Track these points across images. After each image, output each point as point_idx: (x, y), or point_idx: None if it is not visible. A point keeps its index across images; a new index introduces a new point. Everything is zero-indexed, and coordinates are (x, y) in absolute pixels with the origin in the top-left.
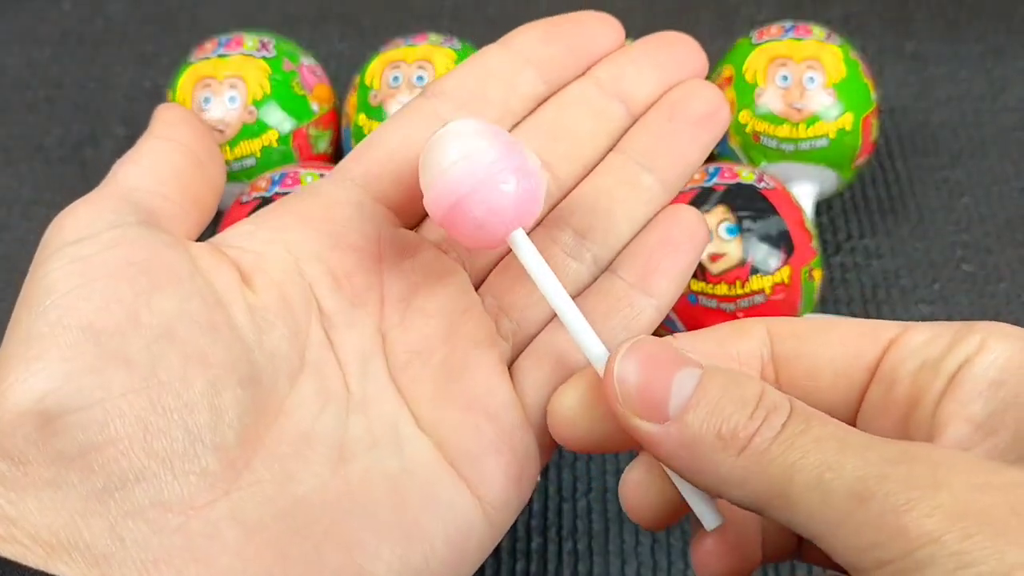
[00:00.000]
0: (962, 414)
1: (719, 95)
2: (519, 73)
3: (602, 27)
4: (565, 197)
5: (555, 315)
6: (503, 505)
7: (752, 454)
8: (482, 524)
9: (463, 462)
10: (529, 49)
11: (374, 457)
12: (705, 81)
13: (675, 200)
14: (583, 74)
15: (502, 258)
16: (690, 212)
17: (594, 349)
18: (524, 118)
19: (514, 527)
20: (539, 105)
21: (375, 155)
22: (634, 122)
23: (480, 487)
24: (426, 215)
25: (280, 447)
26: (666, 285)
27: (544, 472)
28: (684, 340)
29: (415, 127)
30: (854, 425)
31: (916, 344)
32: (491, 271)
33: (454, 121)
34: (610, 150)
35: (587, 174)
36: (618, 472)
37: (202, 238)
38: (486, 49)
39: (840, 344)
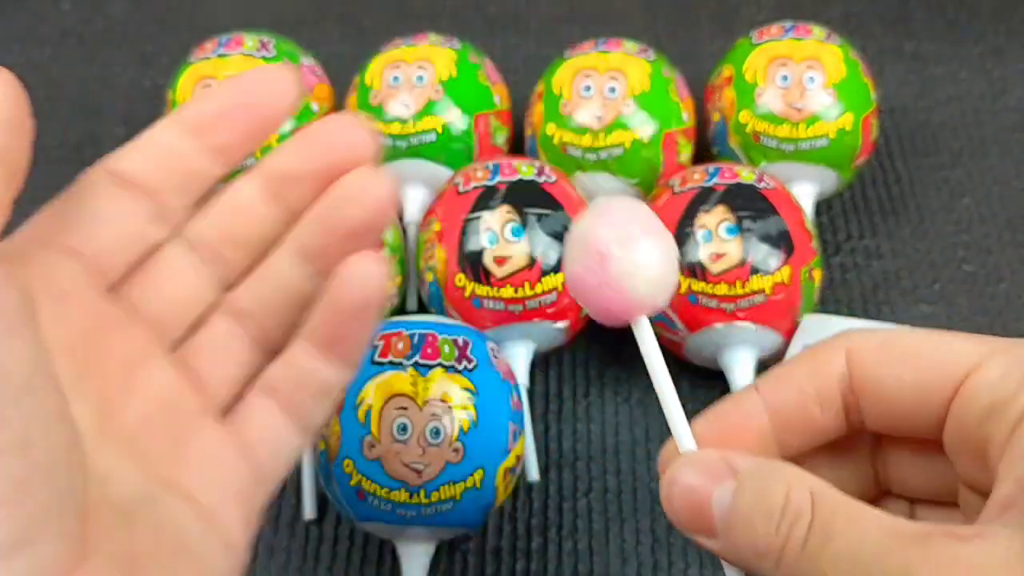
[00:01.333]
0: (1013, 473)
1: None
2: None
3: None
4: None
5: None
6: (244, 546)
7: (786, 567)
8: (230, 566)
9: (206, 515)
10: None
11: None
12: (368, 173)
13: (673, 201)
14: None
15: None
16: (372, 263)
17: (686, 443)
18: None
19: (514, 527)
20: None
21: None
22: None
23: (225, 534)
24: None
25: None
26: (349, 354)
27: (544, 472)
28: (765, 387)
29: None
30: (942, 446)
31: (988, 383)
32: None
33: (617, 200)
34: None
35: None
36: (618, 472)
37: None
38: (161, 125)
39: (916, 376)
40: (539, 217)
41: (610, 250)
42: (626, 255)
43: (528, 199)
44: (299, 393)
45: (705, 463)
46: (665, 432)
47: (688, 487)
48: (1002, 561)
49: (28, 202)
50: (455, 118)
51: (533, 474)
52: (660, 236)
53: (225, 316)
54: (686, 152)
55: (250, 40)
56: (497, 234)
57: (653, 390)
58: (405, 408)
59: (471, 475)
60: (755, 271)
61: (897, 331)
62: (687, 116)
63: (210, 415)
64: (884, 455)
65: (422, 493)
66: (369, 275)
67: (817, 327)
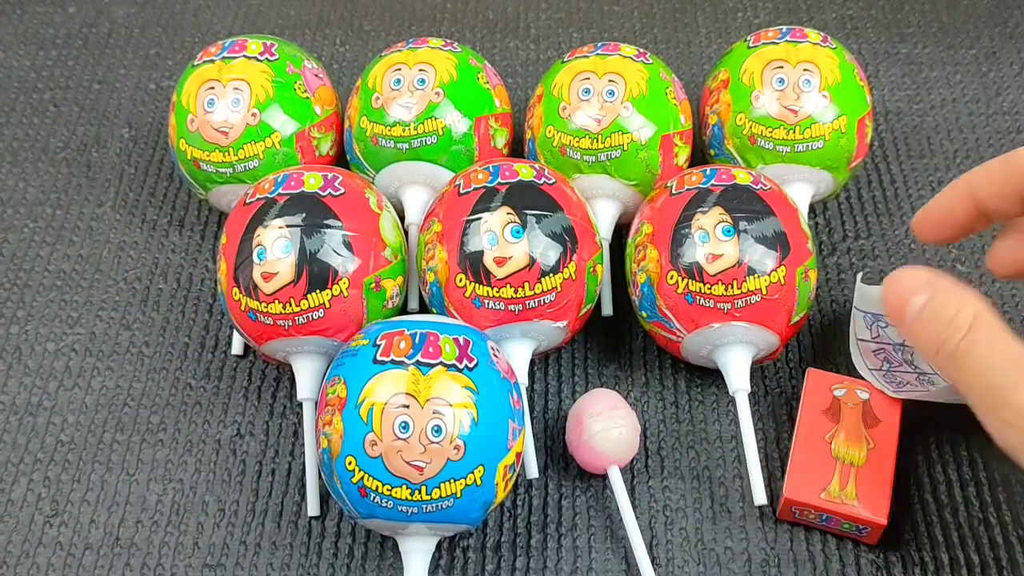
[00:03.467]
0: None
1: None
2: None
3: None
4: None
5: None
6: None
7: (939, 362)
8: None
9: None
10: None
11: None
12: None
13: (670, 202)
14: None
15: None
16: None
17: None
18: None
19: (514, 523)
20: None
21: None
22: None
23: None
24: None
25: None
26: None
27: (544, 469)
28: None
29: None
30: None
31: None
32: None
33: (598, 390)
34: None
35: None
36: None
37: (205, 239)
38: None
39: None
40: (539, 218)
41: (584, 419)
42: (593, 423)
43: (528, 201)
44: None
45: (916, 275)
46: (665, 432)
47: (899, 286)
48: None
49: (34, 203)
50: (456, 121)
51: (533, 471)
52: (622, 412)
53: None
54: (683, 154)
55: (254, 44)
56: (497, 235)
57: (651, 388)
58: (407, 406)
59: (472, 472)
60: (751, 272)
61: None
62: (684, 119)
63: None
64: None
65: (423, 490)
66: None
67: (867, 294)
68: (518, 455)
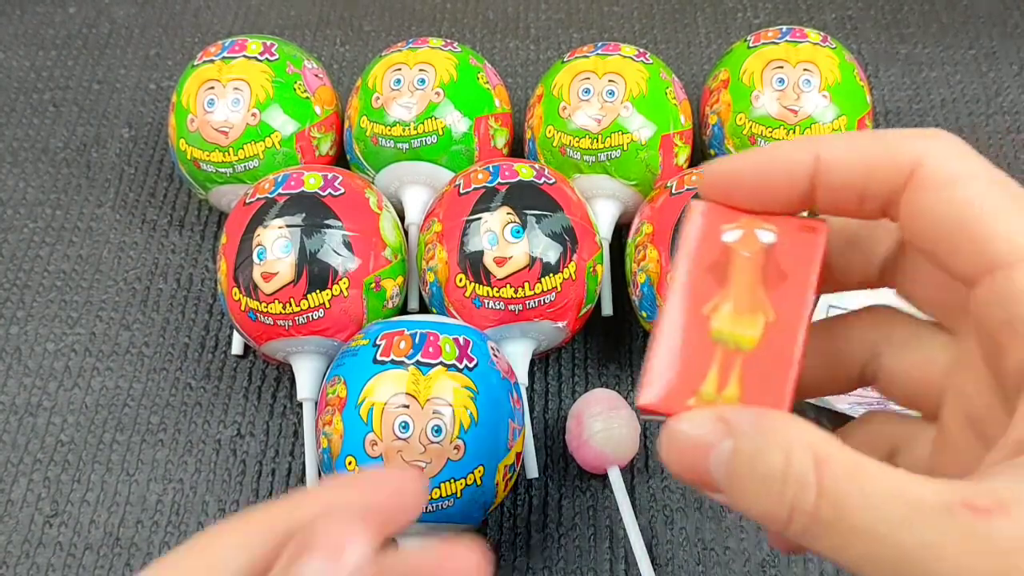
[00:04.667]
0: None
1: None
2: None
3: None
4: None
5: None
6: None
7: (796, 535)
8: None
9: None
10: None
11: None
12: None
13: (670, 202)
14: None
15: None
16: (470, 559)
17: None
18: None
19: (514, 523)
20: None
21: None
22: None
23: None
24: None
25: None
26: None
27: (544, 469)
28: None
29: None
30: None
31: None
32: None
33: (598, 390)
34: None
35: None
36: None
37: (205, 239)
38: None
39: (872, 153)
40: (539, 218)
41: (584, 419)
42: (594, 423)
43: (528, 200)
44: None
45: (699, 418)
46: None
47: (684, 448)
48: None
49: (34, 203)
50: (456, 121)
51: (533, 471)
52: (622, 412)
53: None
54: (683, 154)
55: (254, 44)
56: (497, 235)
57: None
58: (407, 406)
59: (472, 472)
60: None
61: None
62: (684, 119)
63: None
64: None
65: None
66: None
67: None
68: (518, 455)
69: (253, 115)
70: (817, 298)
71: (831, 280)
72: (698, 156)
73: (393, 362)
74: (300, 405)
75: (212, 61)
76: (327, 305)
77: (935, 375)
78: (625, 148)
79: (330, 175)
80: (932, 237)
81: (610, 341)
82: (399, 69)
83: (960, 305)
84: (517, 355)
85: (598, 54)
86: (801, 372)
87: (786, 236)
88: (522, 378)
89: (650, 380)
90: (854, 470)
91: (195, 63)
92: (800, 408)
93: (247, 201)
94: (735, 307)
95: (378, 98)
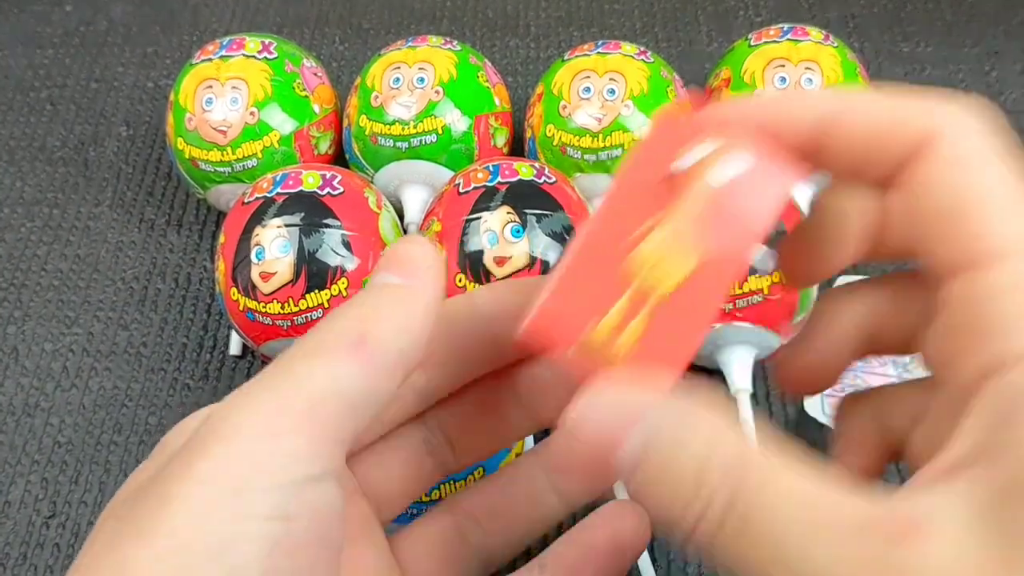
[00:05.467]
0: (979, 422)
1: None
2: None
3: None
4: None
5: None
6: None
7: (697, 547)
8: None
9: None
10: None
11: None
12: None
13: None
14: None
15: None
16: (635, 516)
17: None
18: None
19: None
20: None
21: None
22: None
23: None
24: None
25: None
26: None
27: None
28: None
29: None
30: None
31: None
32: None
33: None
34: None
35: None
36: None
37: (204, 239)
38: None
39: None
40: (539, 218)
41: None
42: None
43: (528, 200)
44: None
45: (614, 400)
46: None
47: (590, 426)
48: (943, 570)
49: (31, 202)
50: (455, 119)
51: None
52: None
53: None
54: None
55: (252, 42)
56: (497, 235)
57: None
58: None
59: (472, 473)
60: (752, 272)
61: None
62: None
63: None
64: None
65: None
66: (628, 522)
67: None
68: (518, 456)
69: (251, 114)
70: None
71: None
72: None
73: None
74: None
75: (210, 59)
76: (326, 305)
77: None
78: (626, 147)
79: (329, 174)
80: (923, 220)
81: None
82: (398, 68)
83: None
84: None
85: (599, 52)
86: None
87: (756, 171)
88: None
89: (540, 305)
90: (769, 480)
91: (193, 61)
92: (804, 424)
93: (245, 200)
94: (665, 241)
95: (377, 97)
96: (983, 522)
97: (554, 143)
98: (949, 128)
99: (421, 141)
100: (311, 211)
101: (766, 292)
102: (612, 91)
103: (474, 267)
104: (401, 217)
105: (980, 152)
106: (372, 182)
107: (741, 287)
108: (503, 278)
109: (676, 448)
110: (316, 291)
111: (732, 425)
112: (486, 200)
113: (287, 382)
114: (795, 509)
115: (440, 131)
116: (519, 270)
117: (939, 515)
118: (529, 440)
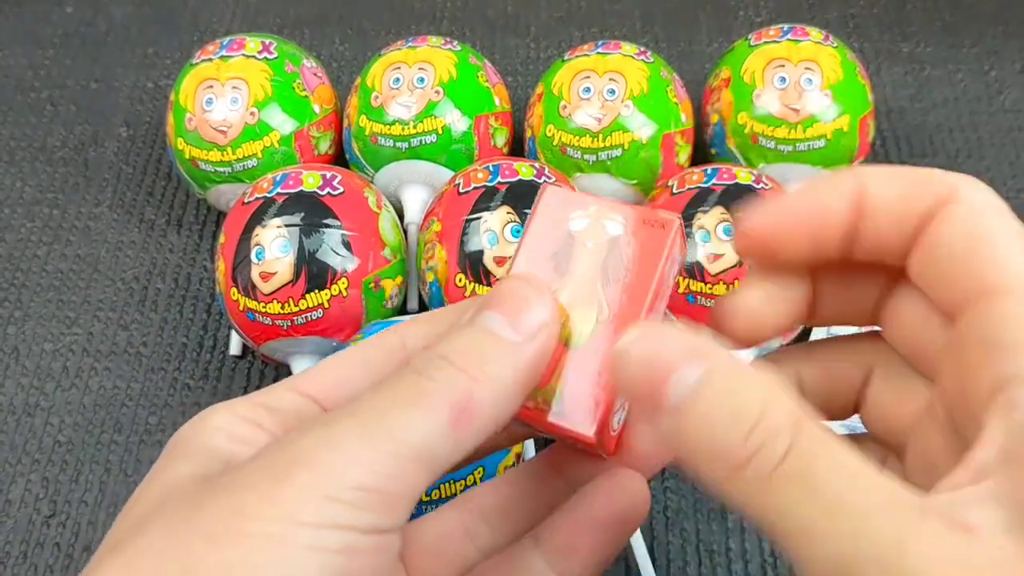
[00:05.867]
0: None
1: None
2: None
3: None
4: None
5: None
6: None
7: (743, 483)
8: None
9: None
10: None
11: None
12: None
13: (671, 202)
14: None
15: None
16: (634, 483)
17: None
18: None
19: None
20: None
21: None
22: None
23: None
24: None
25: None
26: (583, 569)
27: None
28: (788, 197)
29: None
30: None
31: (950, 230)
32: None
33: None
34: None
35: None
36: None
37: (204, 239)
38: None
39: (905, 186)
40: None
41: None
42: None
43: (528, 200)
44: None
45: (678, 339)
46: None
47: (650, 354)
48: (998, 566)
49: (31, 203)
50: (455, 120)
51: None
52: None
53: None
54: (684, 153)
55: (252, 42)
56: (497, 234)
57: None
58: None
59: (471, 473)
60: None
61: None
62: (685, 118)
63: None
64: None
65: None
66: (625, 489)
67: None
68: (518, 456)
69: (251, 114)
70: (668, 296)
71: (824, 315)
72: (699, 155)
73: None
74: None
75: (210, 60)
76: (326, 305)
77: (907, 416)
78: (626, 147)
79: (329, 174)
80: (946, 260)
81: None
82: (398, 68)
83: (940, 352)
84: None
85: (599, 52)
86: None
87: (634, 230)
88: None
89: None
90: (830, 441)
91: (193, 62)
92: None
93: (245, 200)
94: (569, 300)
95: (377, 97)
96: (1020, 526)
97: (554, 143)
98: (964, 190)
99: (421, 141)
100: (311, 211)
101: None
102: (612, 91)
103: (474, 267)
104: (401, 217)
105: (992, 206)
106: (372, 182)
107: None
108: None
109: (741, 378)
110: (316, 291)
111: (789, 390)
112: (486, 200)
113: (381, 429)
114: (860, 477)
115: (440, 131)
116: None
117: (980, 517)
118: (529, 443)
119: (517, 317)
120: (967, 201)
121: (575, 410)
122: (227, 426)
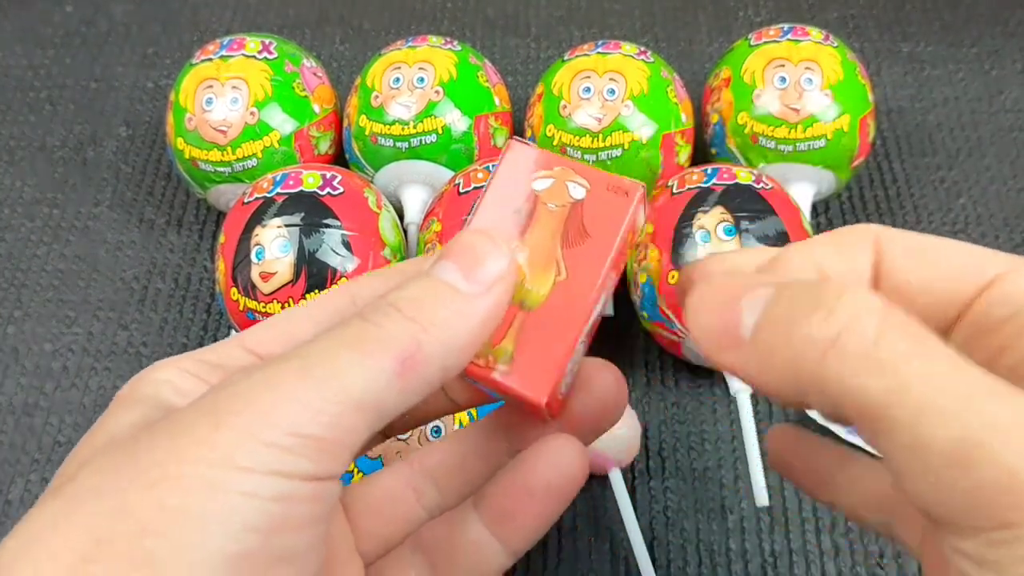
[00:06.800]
0: None
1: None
2: None
3: None
4: None
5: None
6: None
7: (836, 361)
8: None
9: None
10: None
11: None
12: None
13: (671, 202)
14: None
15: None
16: (569, 448)
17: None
18: None
19: None
20: None
21: None
22: None
23: None
24: None
25: None
26: (521, 535)
27: None
28: (790, 253)
29: None
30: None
31: (1015, 288)
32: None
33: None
34: None
35: None
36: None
37: (203, 238)
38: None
39: (940, 271)
40: None
41: None
42: None
43: None
44: (453, 558)
45: (734, 274)
46: (666, 432)
47: (718, 292)
48: None
49: (31, 202)
50: (455, 119)
51: None
52: (625, 416)
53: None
54: (684, 153)
55: (252, 42)
56: None
57: (652, 389)
58: None
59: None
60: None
61: (924, 235)
62: (685, 117)
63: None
64: None
65: None
66: (563, 457)
67: None
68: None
69: (251, 114)
70: (624, 265)
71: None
72: (699, 155)
73: None
74: None
75: (210, 59)
76: None
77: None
78: (626, 147)
79: (329, 174)
80: (1003, 320)
81: (610, 341)
82: (398, 67)
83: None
84: None
85: (599, 52)
86: (592, 339)
87: (597, 194)
88: None
89: None
90: (922, 333)
91: (193, 61)
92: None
93: (245, 200)
94: (528, 260)
95: (377, 97)
96: None
97: (554, 143)
98: (1015, 265)
99: (421, 141)
100: (311, 211)
101: None
102: (612, 91)
103: None
104: (401, 217)
105: None
106: (372, 182)
107: None
108: None
109: (813, 285)
110: (316, 291)
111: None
112: None
113: (323, 374)
114: (955, 361)
115: (440, 131)
116: None
117: None
118: None
119: (473, 269)
120: (1019, 272)
121: (527, 372)
122: (172, 379)
